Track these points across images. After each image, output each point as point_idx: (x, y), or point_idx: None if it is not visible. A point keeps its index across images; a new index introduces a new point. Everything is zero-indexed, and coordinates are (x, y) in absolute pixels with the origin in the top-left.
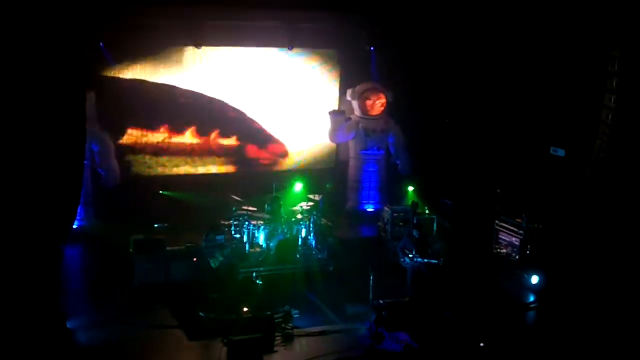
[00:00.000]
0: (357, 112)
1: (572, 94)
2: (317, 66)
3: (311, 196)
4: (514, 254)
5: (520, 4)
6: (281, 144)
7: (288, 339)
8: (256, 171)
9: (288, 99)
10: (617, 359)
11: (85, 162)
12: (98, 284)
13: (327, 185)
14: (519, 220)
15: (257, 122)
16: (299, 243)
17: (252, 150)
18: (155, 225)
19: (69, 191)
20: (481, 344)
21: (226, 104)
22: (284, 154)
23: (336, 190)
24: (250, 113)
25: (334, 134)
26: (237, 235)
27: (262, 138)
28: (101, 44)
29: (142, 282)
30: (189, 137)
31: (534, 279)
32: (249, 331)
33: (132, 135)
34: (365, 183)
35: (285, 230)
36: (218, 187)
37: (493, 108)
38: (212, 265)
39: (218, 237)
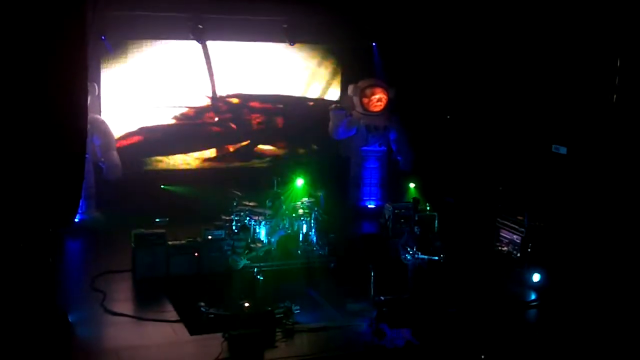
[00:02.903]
0: (358, 108)
1: (574, 92)
2: (319, 62)
3: (313, 192)
4: (515, 252)
5: (522, 1)
6: None
7: (289, 334)
8: (258, 166)
9: (289, 94)
10: (619, 357)
11: (86, 155)
12: (99, 278)
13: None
14: (520, 218)
15: None
16: (300, 239)
17: None
18: (157, 220)
19: (71, 185)
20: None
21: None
22: None
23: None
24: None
25: (335, 130)
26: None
27: None
28: (103, 37)
29: (143, 276)
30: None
31: (535, 277)
32: (250, 326)
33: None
34: (366, 180)
35: (287, 226)
36: (219, 181)
37: (495, 105)
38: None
39: (217, 232)
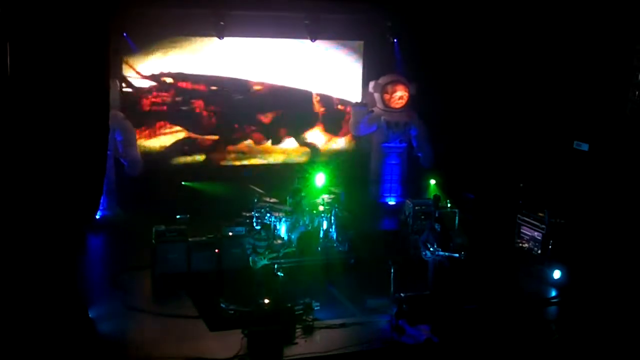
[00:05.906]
0: (379, 104)
1: (596, 88)
2: (340, 58)
3: (333, 189)
4: (536, 249)
5: None
6: None
7: (308, 331)
8: (278, 162)
9: (309, 90)
10: None
11: (108, 151)
12: (120, 274)
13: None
14: (541, 214)
15: None
16: (321, 235)
17: None
18: (178, 216)
19: (93, 181)
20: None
21: None
22: None
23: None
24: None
25: (356, 126)
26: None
27: None
28: (124, 33)
29: (164, 272)
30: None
31: (556, 274)
32: (270, 323)
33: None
34: (387, 176)
35: (307, 223)
36: (239, 178)
37: (517, 101)
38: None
39: (238, 229)
